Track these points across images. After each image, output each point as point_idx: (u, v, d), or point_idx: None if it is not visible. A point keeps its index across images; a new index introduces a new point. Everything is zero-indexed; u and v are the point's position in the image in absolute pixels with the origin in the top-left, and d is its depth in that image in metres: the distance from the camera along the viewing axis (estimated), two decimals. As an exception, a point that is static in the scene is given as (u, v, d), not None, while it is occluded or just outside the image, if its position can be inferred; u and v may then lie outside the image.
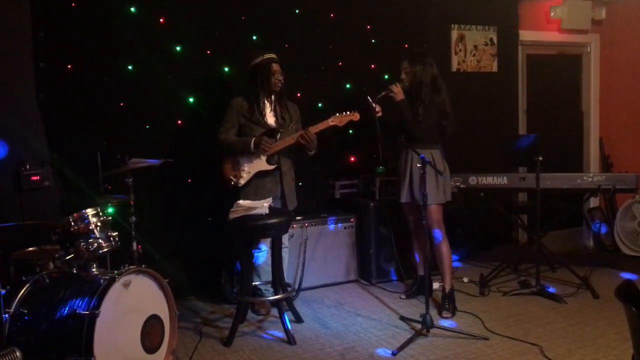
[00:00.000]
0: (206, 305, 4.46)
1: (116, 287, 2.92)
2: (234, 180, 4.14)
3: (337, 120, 4.12)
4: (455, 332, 3.78)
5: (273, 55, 4.14)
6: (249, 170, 4.13)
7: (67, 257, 3.11)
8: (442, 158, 4.21)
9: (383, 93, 4.15)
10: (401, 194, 4.27)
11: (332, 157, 5.10)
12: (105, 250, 3.20)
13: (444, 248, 4.22)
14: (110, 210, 3.55)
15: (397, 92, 4.14)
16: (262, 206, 3.78)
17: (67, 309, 2.84)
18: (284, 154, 4.18)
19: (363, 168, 5.15)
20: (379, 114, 4.16)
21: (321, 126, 4.10)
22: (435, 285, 4.50)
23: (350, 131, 5.04)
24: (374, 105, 4.12)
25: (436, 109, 4.13)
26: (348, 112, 4.12)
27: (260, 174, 4.14)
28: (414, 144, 4.09)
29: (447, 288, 4.21)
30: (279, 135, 4.11)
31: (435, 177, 4.05)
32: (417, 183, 4.11)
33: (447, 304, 4.16)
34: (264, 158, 4.11)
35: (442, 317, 4.08)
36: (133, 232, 3.78)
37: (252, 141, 4.04)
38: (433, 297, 4.32)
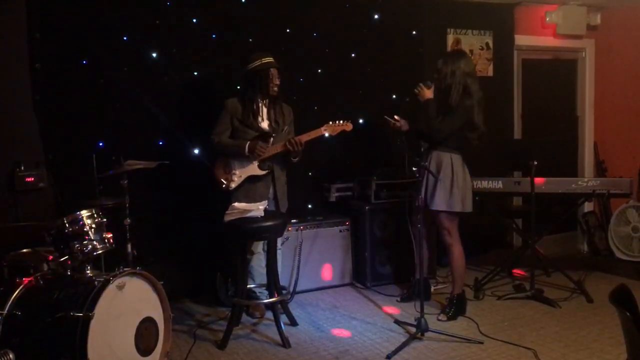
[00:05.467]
0: (200, 307, 4.45)
1: (110, 289, 2.92)
2: (225, 183, 4.13)
3: (330, 129, 4.09)
4: (449, 335, 3.78)
5: (270, 59, 4.08)
6: (240, 174, 4.11)
7: (62, 259, 3.10)
8: (463, 165, 4.07)
9: (390, 120, 4.15)
10: (417, 197, 4.03)
11: (327, 160, 5.09)
12: (100, 252, 3.19)
13: (456, 252, 4.13)
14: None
15: (421, 93, 4.03)
16: (258, 209, 3.78)
17: (60, 310, 2.82)
18: (275, 158, 4.16)
19: (359, 171, 5.14)
20: (405, 128, 4.18)
21: (313, 134, 4.07)
22: (435, 287, 4.50)
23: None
24: (394, 121, 4.14)
25: (462, 113, 3.97)
26: (341, 122, 4.10)
27: (252, 179, 4.13)
28: (436, 147, 4.04)
29: (455, 292, 4.18)
30: (271, 140, 4.09)
31: (450, 184, 3.97)
32: (431, 187, 4.04)
33: (448, 308, 4.14)
34: (256, 163, 4.09)
35: (438, 319, 4.07)
36: (128, 234, 3.77)
37: (247, 145, 4.03)
38: (435, 300, 4.34)
